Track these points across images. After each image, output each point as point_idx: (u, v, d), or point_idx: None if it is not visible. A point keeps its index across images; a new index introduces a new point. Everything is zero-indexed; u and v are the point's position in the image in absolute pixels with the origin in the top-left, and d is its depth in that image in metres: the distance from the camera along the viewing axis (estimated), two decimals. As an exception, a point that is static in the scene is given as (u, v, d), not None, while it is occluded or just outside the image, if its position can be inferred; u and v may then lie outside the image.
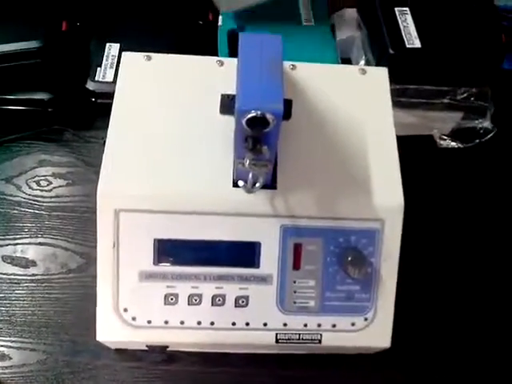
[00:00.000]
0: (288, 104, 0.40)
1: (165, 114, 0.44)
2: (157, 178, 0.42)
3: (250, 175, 0.37)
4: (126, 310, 0.42)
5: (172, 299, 0.42)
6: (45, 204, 0.57)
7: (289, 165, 0.43)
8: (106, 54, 0.63)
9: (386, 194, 0.43)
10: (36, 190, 0.58)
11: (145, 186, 0.41)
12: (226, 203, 0.42)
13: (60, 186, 0.59)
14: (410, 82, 0.59)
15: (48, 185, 0.59)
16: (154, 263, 0.42)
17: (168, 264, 0.42)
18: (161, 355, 0.49)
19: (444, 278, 0.56)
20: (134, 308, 0.42)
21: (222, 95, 0.42)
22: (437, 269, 0.56)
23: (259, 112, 0.32)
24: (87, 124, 0.62)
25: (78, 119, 0.62)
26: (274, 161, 0.39)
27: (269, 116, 0.33)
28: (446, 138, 0.63)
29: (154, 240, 0.42)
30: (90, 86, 0.61)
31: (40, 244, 0.55)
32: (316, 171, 0.43)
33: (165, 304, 0.42)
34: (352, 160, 0.44)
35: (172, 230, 0.42)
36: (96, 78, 0.62)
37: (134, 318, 0.42)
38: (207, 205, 0.42)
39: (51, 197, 0.58)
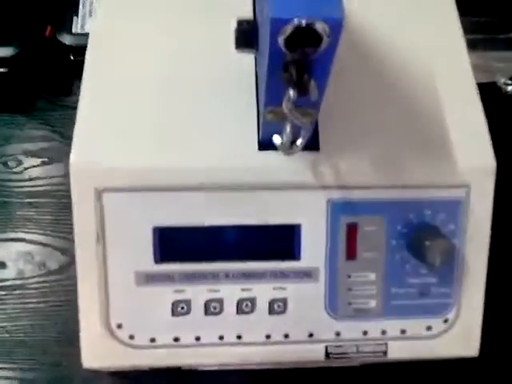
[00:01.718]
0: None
1: (157, 57, 0.36)
2: (150, 143, 0.34)
3: (288, 128, 0.27)
4: (120, 326, 0.35)
5: (183, 308, 0.35)
6: (15, 190, 0.51)
7: (334, 117, 0.35)
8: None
9: (470, 151, 0.35)
10: (4, 172, 0.52)
11: (134, 156, 0.34)
12: (250, 172, 0.34)
13: (33, 167, 0.52)
14: (466, 12, 0.47)
15: (18, 165, 0.52)
16: (155, 261, 0.35)
17: (174, 261, 0.35)
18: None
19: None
20: (130, 323, 0.35)
21: (239, 21, 0.34)
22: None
23: (304, 21, 0.21)
24: (64, 88, 0.55)
25: (52, 82, 0.55)
26: (319, 108, 0.29)
27: (320, 26, 0.21)
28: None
29: (154, 229, 0.34)
30: (65, 39, 0.54)
31: (11, 240, 0.49)
32: (372, 125, 0.35)
33: (173, 315, 0.35)
34: (420, 108, 0.36)
35: (177, 214, 0.34)
36: (72, 30, 0.54)
37: (131, 337, 0.35)
38: (224, 176, 0.34)
39: (23, 180, 0.51)
